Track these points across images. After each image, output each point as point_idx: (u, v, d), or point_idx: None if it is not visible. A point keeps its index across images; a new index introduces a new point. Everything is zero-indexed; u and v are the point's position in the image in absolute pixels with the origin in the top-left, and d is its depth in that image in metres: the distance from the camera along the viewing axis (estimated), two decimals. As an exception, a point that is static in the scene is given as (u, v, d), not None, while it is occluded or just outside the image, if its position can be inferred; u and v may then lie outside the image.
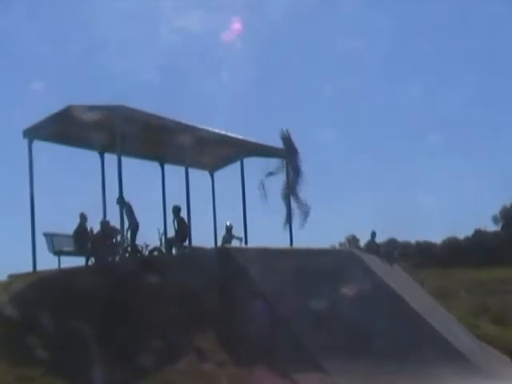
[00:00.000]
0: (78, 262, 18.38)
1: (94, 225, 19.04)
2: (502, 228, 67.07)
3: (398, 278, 19.93)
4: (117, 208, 17.51)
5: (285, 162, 20.91)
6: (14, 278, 17.18)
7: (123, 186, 17.46)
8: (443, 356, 15.41)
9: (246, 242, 20.81)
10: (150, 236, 19.16)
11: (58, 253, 18.22)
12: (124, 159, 17.47)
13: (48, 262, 18.13)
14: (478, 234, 63.90)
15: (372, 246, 23.76)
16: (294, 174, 20.90)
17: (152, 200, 22.36)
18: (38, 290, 15.59)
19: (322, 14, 61.03)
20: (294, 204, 21.16)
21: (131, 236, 18.35)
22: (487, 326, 21.95)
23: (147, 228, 19.44)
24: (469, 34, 71.12)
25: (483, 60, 73.39)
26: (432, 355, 15.22)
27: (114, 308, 13.75)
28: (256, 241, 20.28)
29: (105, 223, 19.07)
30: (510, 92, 73.57)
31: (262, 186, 20.53)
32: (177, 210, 18.99)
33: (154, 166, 21.35)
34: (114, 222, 18.51)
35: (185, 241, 19.06)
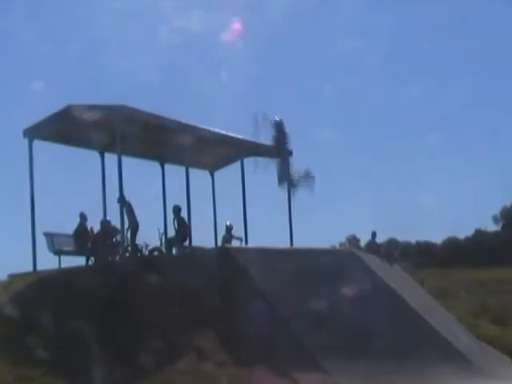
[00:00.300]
0: (78, 261, 18.41)
1: (94, 224, 19.09)
2: (502, 228, 67.06)
3: (398, 278, 19.93)
4: (117, 208, 17.53)
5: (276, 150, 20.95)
6: (14, 277, 17.17)
7: (123, 186, 17.47)
8: (443, 356, 15.40)
9: (246, 242, 20.80)
10: (150, 236, 19.19)
11: (58, 252, 18.22)
12: (124, 159, 17.48)
13: (48, 262, 18.15)
14: (479, 233, 63.90)
15: (372, 246, 23.77)
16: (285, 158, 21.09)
17: (152, 200, 22.37)
18: (38, 289, 15.58)
19: (322, 14, 61.05)
20: (297, 182, 21.32)
21: (131, 236, 18.35)
22: (487, 326, 21.94)
23: (147, 228, 19.46)
24: (469, 33, 71.15)
25: (483, 60, 73.43)
26: (432, 355, 15.21)
27: (114, 308, 13.74)
28: (256, 241, 20.29)
29: (105, 222, 19.08)
30: (510, 92, 73.61)
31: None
32: (177, 210, 18.98)
33: (154, 166, 21.37)
34: (115, 221, 18.56)
35: (185, 241, 19.06)
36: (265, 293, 15.15)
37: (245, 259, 16.19)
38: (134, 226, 18.31)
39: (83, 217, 18.84)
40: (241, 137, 20.28)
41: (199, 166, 21.49)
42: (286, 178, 21.37)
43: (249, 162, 21.43)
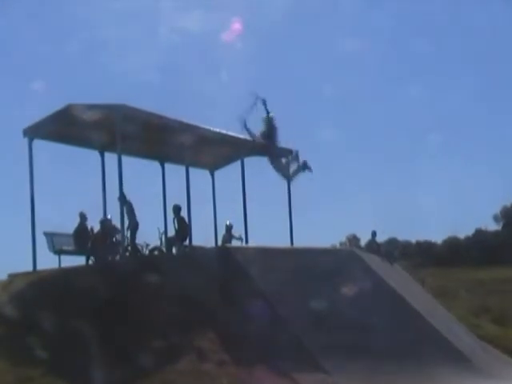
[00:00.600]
0: (79, 261, 18.42)
1: (94, 224, 19.09)
2: (502, 227, 67.10)
3: (398, 278, 19.91)
4: (117, 207, 17.53)
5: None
6: (14, 277, 17.16)
7: (123, 185, 17.46)
8: (444, 356, 15.38)
9: (246, 242, 20.78)
10: (150, 235, 19.19)
11: (59, 252, 18.23)
12: (124, 158, 17.47)
13: (48, 262, 18.17)
14: (479, 233, 63.94)
15: (372, 246, 23.77)
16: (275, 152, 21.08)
17: (152, 199, 22.38)
18: (39, 289, 15.57)
19: (322, 14, 61.13)
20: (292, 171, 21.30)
21: (131, 235, 18.34)
22: (488, 326, 21.93)
23: (147, 227, 19.46)
24: (469, 33, 71.21)
25: (483, 60, 73.47)
26: (432, 355, 15.19)
27: (114, 307, 13.74)
28: (256, 240, 20.28)
29: (106, 221, 19.08)
30: (510, 92, 73.61)
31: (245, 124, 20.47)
32: (177, 210, 18.97)
33: (155, 165, 21.36)
34: (115, 220, 18.57)
35: (185, 240, 19.06)
36: (265, 292, 15.13)
37: (245, 259, 16.18)
38: (134, 226, 18.31)
39: (83, 216, 18.85)
40: (241, 136, 20.26)
41: (199, 165, 21.48)
42: (282, 172, 21.33)
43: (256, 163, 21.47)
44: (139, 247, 18.85)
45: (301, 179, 21.71)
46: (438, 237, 68.73)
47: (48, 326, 13.03)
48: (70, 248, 18.58)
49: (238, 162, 21.37)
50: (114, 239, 18.97)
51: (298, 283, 15.64)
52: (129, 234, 18.16)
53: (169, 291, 14.51)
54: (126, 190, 17.58)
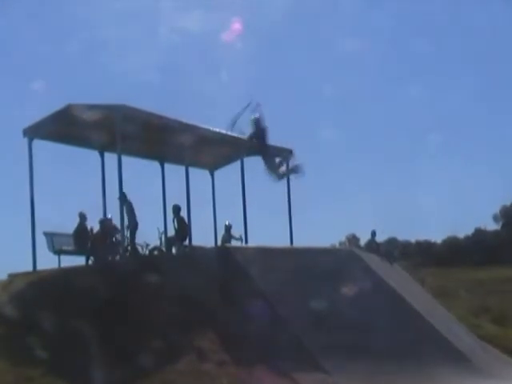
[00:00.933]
0: (78, 261, 18.41)
1: (94, 224, 19.09)
2: (502, 227, 67.12)
3: (398, 278, 19.92)
4: (117, 207, 17.52)
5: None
6: (14, 277, 17.16)
7: (123, 186, 17.46)
8: (443, 356, 15.39)
9: (246, 242, 20.79)
10: (150, 235, 19.19)
11: (58, 252, 18.23)
12: (124, 158, 17.46)
13: (48, 262, 18.16)
14: (479, 233, 63.96)
15: (372, 245, 23.78)
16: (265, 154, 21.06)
17: (152, 199, 22.39)
18: (38, 289, 15.57)
19: (322, 14, 61.12)
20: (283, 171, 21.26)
21: (131, 235, 18.34)
22: (487, 326, 21.93)
23: (147, 227, 19.46)
24: (469, 33, 71.21)
25: (483, 60, 73.48)
26: (432, 355, 15.20)
27: (114, 307, 13.74)
28: (256, 240, 20.28)
29: (106, 221, 19.08)
30: (510, 92, 73.64)
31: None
32: (177, 209, 18.97)
33: (154, 165, 21.36)
34: (115, 220, 18.56)
35: (185, 240, 19.06)
36: (265, 292, 15.14)
37: (245, 259, 16.18)
38: (134, 226, 18.31)
39: (83, 216, 18.85)
40: (241, 136, 20.26)
41: (199, 165, 21.48)
42: (273, 172, 21.31)
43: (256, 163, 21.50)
44: (139, 247, 18.86)
45: (294, 180, 21.70)
46: (437, 236, 68.77)
47: (48, 326, 13.02)
48: (70, 248, 18.58)
49: (238, 162, 21.36)
50: (114, 239, 18.97)
51: (297, 283, 15.64)
52: (129, 234, 18.17)
53: (169, 291, 14.51)
54: (125, 190, 17.59)
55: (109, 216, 19.19)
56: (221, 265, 15.80)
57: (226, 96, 50.64)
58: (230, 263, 15.96)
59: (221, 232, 21.52)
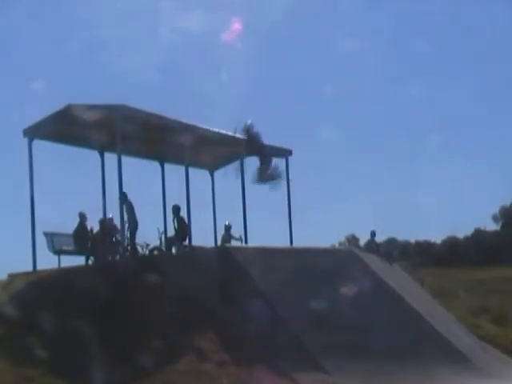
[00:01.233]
0: (78, 261, 18.41)
1: (94, 224, 19.10)
2: (501, 227, 67.18)
3: (397, 278, 19.93)
4: (117, 207, 17.51)
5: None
6: (14, 277, 17.16)
7: (123, 186, 17.46)
8: (443, 356, 15.40)
9: (245, 242, 20.78)
10: (150, 235, 19.19)
11: (58, 252, 18.23)
12: (124, 158, 17.46)
13: (48, 262, 18.16)
14: (478, 233, 64.02)
15: (372, 246, 23.78)
16: (262, 159, 20.95)
17: (152, 199, 22.37)
18: (38, 289, 15.57)
19: (322, 14, 61.15)
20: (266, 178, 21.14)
21: (130, 235, 18.34)
22: (487, 326, 21.94)
23: (147, 227, 19.46)
24: (469, 33, 71.25)
25: (483, 60, 73.53)
26: (432, 355, 15.21)
27: (114, 307, 13.73)
28: (256, 240, 20.28)
29: (108, 220, 19.09)
30: (510, 92, 73.67)
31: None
32: (177, 210, 18.98)
33: (154, 166, 21.36)
34: (115, 220, 18.56)
35: (185, 240, 19.05)
36: (265, 292, 15.15)
37: (245, 259, 16.19)
38: (134, 226, 18.31)
39: (83, 216, 18.85)
40: (241, 136, 20.26)
41: (199, 165, 21.48)
42: (263, 177, 21.21)
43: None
44: (139, 247, 18.86)
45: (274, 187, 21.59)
46: (437, 237, 68.79)
47: (48, 325, 13.02)
48: (70, 248, 18.59)
49: (238, 162, 21.36)
50: (114, 239, 18.98)
51: (297, 283, 15.65)
52: (129, 234, 18.17)
53: (169, 291, 14.51)
54: (125, 190, 17.58)
55: (110, 216, 19.20)
56: (221, 265, 15.81)
57: (226, 96, 50.71)
58: (230, 263, 15.97)
59: (221, 232, 21.54)
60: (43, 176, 18.99)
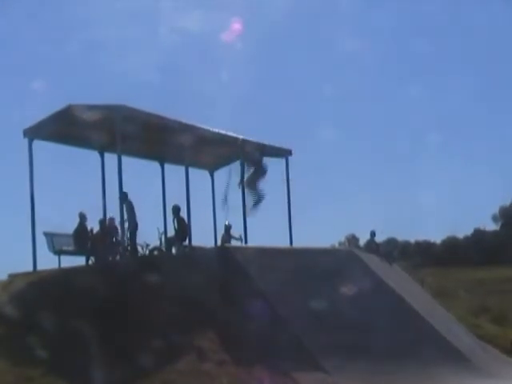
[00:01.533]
0: (79, 261, 18.42)
1: (94, 224, 19.10)
2: (501, 227, 67.21)
3: (397, 278, 19.94)
4: (117, 207, 17.52)
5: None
6: (14, 277, 17.17)
7: (123, 186, 17.47)
8: (443, 356, 15.40)
9: (245, 242, 20.79)
10: (150, 235, 19.20)
11: (59, 252, 18.25)
12: (124, 158, 17.47)
13: (48, 262, 18.17)
14: (478, 233, 64.05)
15: (371, 246, 23.76)
16: (257, 170, 20.45)
17: (152, 199, 22.38)
18: (39, 289, 15.58)
19: (322, 14, 61.17)
20: (247, 192, 20.37)
21: (130, 235, 18.35)
22: (487, 326, 21.95)
23: (147, 227, 19.47)
24: (469, 33, 71.27)
25: (483, 60, 73.55)
26: (432, 355, 15.21)
27: (114, 307, 13.74)
28: (256, 240, 20.29)
29: (110, 220, 19.10)
30: (510, 92, 73.70)
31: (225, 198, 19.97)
32: (177, 210, 18.99)
33: (154, 166, 21.37)
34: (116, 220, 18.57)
35: (185, 240, 19.06)
36: (265, 292, 15.15)
37: (244, 259, 16.19)
38: (134, 226, 18.32)
39: (83, 216, 18.86)
40: (241, 136, 20.26)
41: (199, 165, 21.50)
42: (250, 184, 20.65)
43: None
44: (139, 247, 18.87)
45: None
46: (436, 237, 68.83)
47: (48, 325, 13.03)
48: (70, 248, 18.60)
49: (238, 163, 21.34)
50: (114, 239, 18.99)
51: (297, 283, 15.65)
52: (129, 234, 18.18)
53: (169, 291, 14.51)
54: (125, 191, 17.59)
55: (111, 216, 19.22)
56: (221, 265, 15.81)
57: (226, 96, 50.72)
58: (229, 263, 15.97)
59: (220, 232, 21.55)
60: (43, 176, 19.01)
